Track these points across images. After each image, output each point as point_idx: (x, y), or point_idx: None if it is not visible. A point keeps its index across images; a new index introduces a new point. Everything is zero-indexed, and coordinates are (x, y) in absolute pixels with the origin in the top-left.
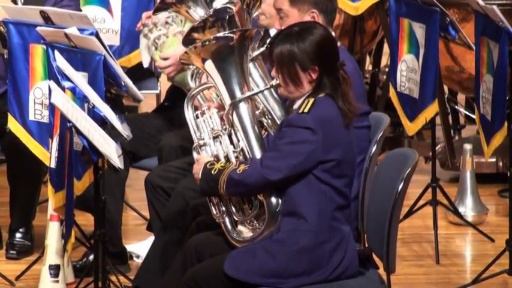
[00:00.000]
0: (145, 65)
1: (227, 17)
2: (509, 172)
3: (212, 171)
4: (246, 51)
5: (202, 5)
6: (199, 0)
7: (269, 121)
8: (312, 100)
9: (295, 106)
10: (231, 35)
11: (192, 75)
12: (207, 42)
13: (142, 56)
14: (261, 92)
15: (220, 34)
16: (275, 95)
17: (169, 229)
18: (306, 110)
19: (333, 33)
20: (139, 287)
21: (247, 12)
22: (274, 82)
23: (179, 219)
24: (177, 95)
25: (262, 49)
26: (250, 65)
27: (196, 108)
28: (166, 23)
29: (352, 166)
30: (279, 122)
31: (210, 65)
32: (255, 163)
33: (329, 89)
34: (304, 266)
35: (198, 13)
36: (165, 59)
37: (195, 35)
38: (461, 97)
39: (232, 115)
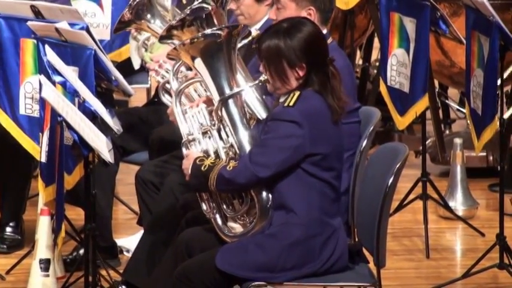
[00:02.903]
0: (136, 66)
1: (204, 15)
2: (500, 166)
3: (202, 168)
4: (234, 47)
5: (160, 17)
6: (157, 13)
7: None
8: (297, 93)
9: (281, 100)
10: (219, 31)
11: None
12: (195, 39)
13: (133, 57)
14: (250, 87)
15: (209, 31)
16: (256, 93)
17: (159, 224)
18: (291, 104)
19: (325, 31)
20: (128, 281)
21: (221, 8)
22: (262, 77)
23: (169, 214)
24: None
25: (239, 44)
26: None
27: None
28: None
29: (340, 159)
30: (259, 117)
31: (198, 62)
32: (244, 160)
33: (317, 86)
34: (295, 259)
35: (158, 25)
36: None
37: (174, 32)
38: (451, 91)
39: (221, 111)
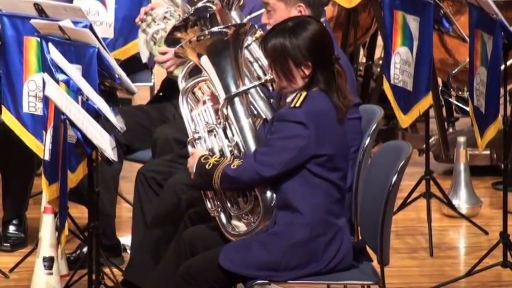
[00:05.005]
0: (144, 60)
1: (208, 15)
2: (503, 164)
3: (206, 166)
4: (240, 45)
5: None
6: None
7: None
8: (304, 94)
9: (288, 100)
10: (226, 30)
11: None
12: (202, 37)
13: (141, 51)
14: (256, 86)
15: (215, 29)
16: (260, 93)
17: (161, 223)
18: (297, 104)
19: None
20: (129, 280)
21: (227, 8)
22: (268, 76)
23: (170, 213)
24: (173, 86)
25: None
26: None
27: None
28: (165, 17)
29: (346, 159)
30: (264, 116)
31: (205, 60)
32: (249, 159)
33: (323, 84)
34: (299, 259)
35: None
36: (164, 53)
37: (178, 34)
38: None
39: (227, 109)
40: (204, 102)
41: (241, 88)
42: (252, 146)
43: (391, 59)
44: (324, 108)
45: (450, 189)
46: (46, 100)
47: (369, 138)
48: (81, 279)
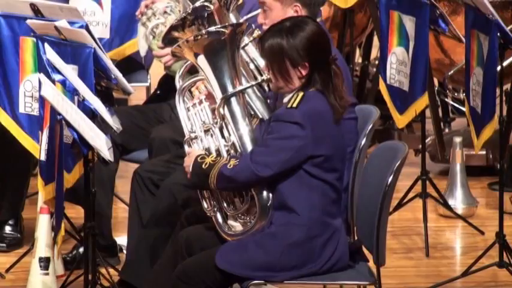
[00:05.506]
0: (143, 53)
1: (206, 15)
2: (499, 165)
3: (203, 165)
4: (237, 45)
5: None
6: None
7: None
8: (300, 94)
9: (285, 100)
10: (223, 29)
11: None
12: (199, 37)
13: (140, 44)
14: (252, 86)
15: (212, 28)
16: (257, 93)
17: (157, 223)
18: (294, 105)
19: None
20: (125, 281)
21: (225, 8)
22: (265, 76)
23: (167, 214)
24: (170, 85)
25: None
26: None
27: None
28: (165, 12)
29: (343, 160)
30: (261, 116)
31: (202, 59)
32: (245, 159)
33: (320, 85)
34: (295, 259)
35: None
36: (163, 48)
37: (176, 33)
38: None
39: (223, 109)
40: (201, 102)
41: (238, 88)
42: (249, 146)
43: (387, 59)
44: (321, 108)
45: (446, 189)
46: (42, 100)
47: (365, 139)
48: (78, 279)
